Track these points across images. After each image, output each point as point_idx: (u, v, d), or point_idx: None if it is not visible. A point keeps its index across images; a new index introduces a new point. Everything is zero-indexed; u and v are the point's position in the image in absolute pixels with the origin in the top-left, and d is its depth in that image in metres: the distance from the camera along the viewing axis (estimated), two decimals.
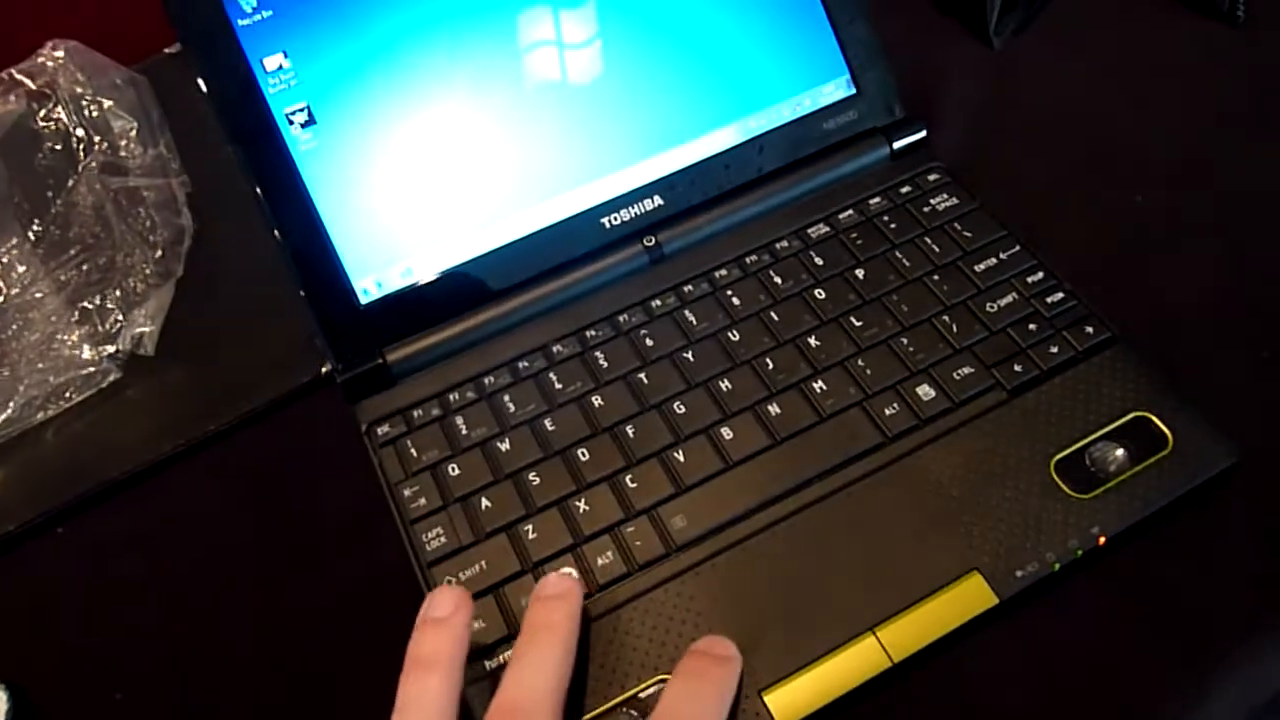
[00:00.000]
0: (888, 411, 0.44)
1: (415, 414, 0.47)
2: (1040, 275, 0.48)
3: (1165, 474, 0.41)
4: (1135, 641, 0.39)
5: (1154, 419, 0.43)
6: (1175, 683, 0.39)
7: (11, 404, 0.53)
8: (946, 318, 0.47)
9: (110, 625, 0.46)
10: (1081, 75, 0.60)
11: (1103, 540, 0.40)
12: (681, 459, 0.44)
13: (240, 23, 0.45)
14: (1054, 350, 0.45)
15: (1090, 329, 0.46)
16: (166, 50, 0.72)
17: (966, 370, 0.45)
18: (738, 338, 0.47)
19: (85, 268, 0.58)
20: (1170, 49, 0.60)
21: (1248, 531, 0.42)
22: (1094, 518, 0.41)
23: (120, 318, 0.56)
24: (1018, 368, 0.45)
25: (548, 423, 0.45)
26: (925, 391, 0.45)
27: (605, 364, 0.47)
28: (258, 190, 0.46)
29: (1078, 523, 0.41)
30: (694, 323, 0.48)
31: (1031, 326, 0.46)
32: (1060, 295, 0.47)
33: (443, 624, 0.36)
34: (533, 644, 0.36)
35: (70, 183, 0.62)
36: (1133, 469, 0.42)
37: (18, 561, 0.49)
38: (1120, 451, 0.42)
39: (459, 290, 0.49)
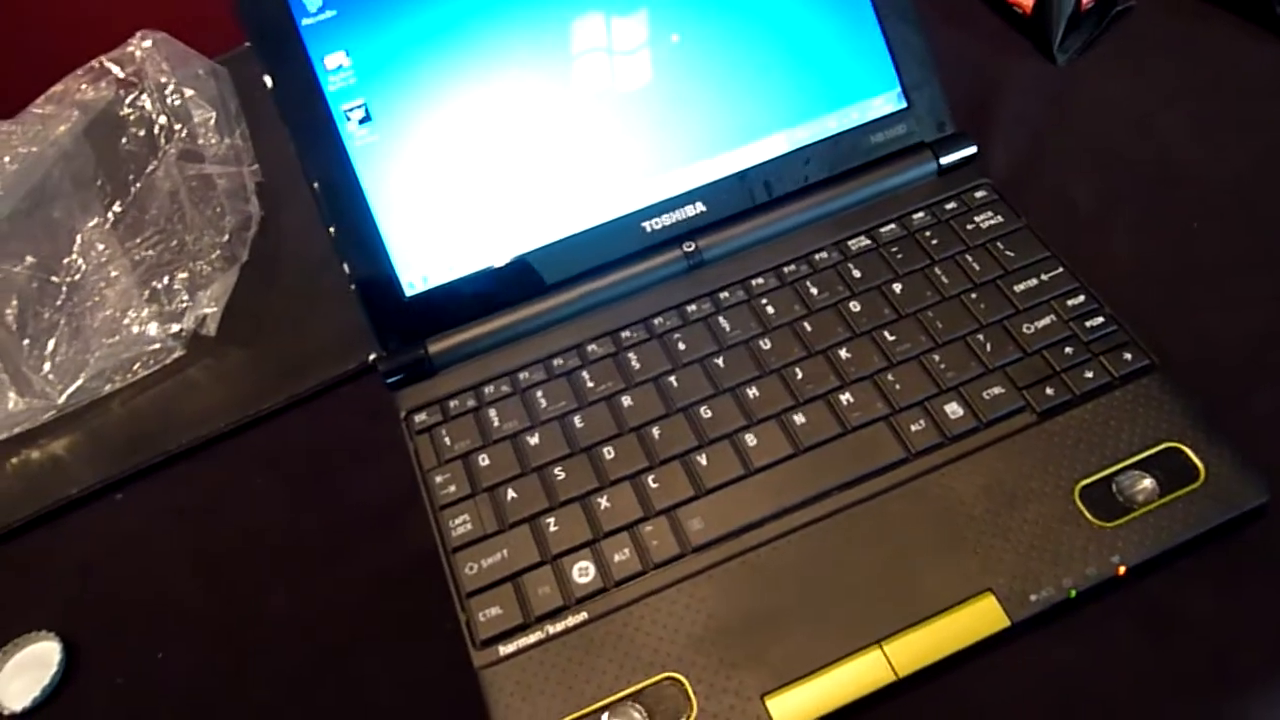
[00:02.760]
0: (913, 428, 0.44)
1: (452, 404, 0.48)
2: (1081, 299, 0.47)
3: (1193, 507, 0.41)
4: (1147, 675, 0.39)
5: (1186, 450, 0.42)
6: (1186, 718, 0.38)
7: (83, 374, 0.56)
8: (981, 336, 0.47)
9: (157, 589, 0.49)
10: (1144, 98, 0.58)
11: (1122, 570, 0.40)
12: (704, 463, 0.44)
13: (304, 22, 0.47)
14: (1089, 375, 0.45)
15: (1128, 355, 0.45)
16: (247, 44, 0.75)
17: (997, 390, 0.45)
18: (769, 346, 0.48)
19: (158, 249, 0.61)
20: (1239, 76, 0.58)
21: (1275, 573, 0.41)
22: (1115, 547, 0.40)
23: (187, 298, 0.59)
24: (1049, 390, 0.44)
25: (577, 420, 0.47)
26: (953, 410, 0.44)
27: (637, 365, 0.48)
28: (313, 182, 0.48)
29: (1098, 551, 0.40)
30: (727, 329, 0.49)
31: (1068, 350, 0.46)
32: (1100, 320, 0.46)
33: None
34: None
35: (150, 168, 0.65)
36: (1160, 500, 0.41)
37: (78, 523, 0.52)
38: (1149, 481, 0.41)
39: (501, 286, 0.50)
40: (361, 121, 0.48)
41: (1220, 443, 0.42)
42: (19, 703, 0.45)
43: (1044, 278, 0.48)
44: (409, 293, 0.49)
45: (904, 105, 0.53)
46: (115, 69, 0.69)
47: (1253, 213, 0.52)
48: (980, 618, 0.39)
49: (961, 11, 0.65)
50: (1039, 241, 0.50)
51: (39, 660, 0.46)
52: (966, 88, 0.55)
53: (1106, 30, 0.62)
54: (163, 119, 0.67)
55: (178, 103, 0.68)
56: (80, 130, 0.68)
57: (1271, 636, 0.39)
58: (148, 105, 0.68)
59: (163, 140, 0.67)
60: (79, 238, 0.62)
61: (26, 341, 0.57)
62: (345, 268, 0.49)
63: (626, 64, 0.50)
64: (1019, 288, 0.48)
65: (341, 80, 0.48)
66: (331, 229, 0.48)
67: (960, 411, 0.44)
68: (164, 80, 0.68)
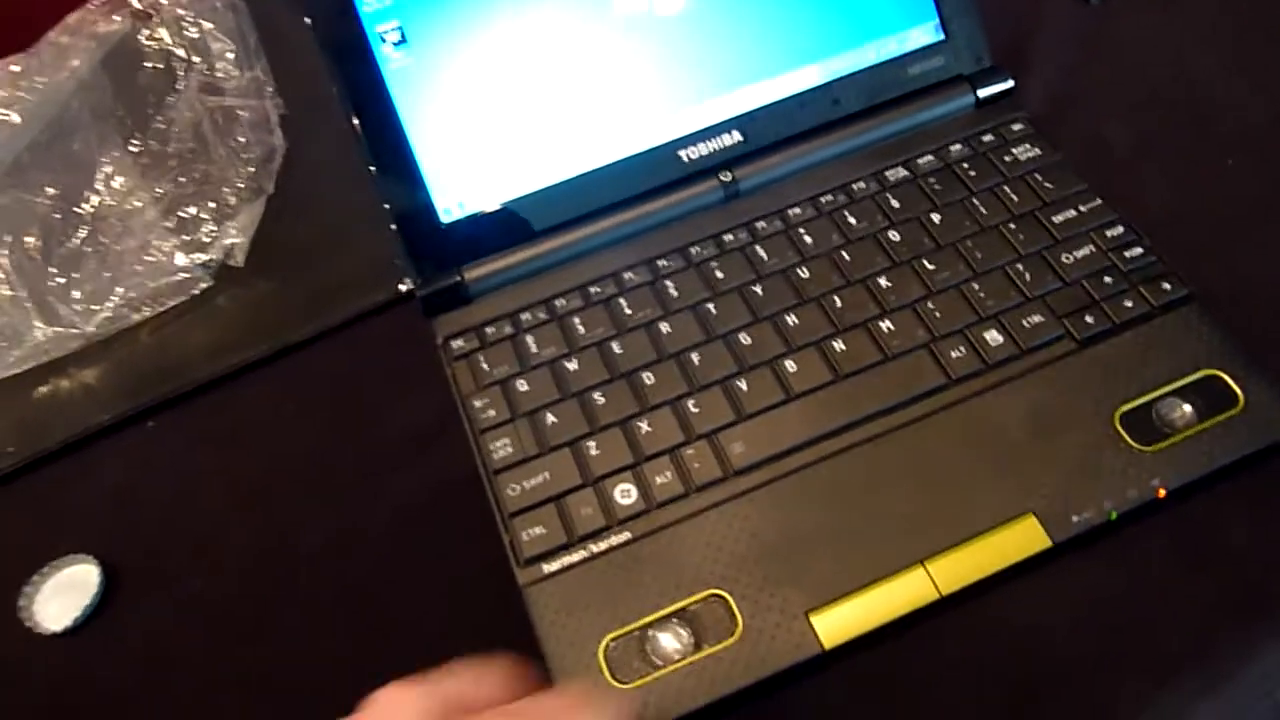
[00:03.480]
0: (954, 354, 0.44)
1: (489, 331, 0.48)
2: (1120, 230, 0.47)
3: (1232, 433, 0.41)
4: (1186, 595, 0.39)
5: (1225, 377, 0.42)
6: (1224, 639, 0.39)
7: (110, 304, 0.56)
8: (1020, 266, 0.47)
9: (192, 514, 0.49)
10: (1181, 34, 0.58)
11: (1162, 493, 0.40)
12: (744, 388, 0.44)
13: None
14: (1128, 304, 0.45)
15: (1167, 285, 0.45)
16: None
17: (1037, 319, 0.45)
18: (807, 275, 0.48)
19: (182, 180, 0.61)
20: (1276, 12, 0.58)
21: None
22: (1155, 470, 0.40)
23: (213, 228, 0.58)
24: (1089, 319, 0.45)
25: (615, 346, 0.47)
26: (993, 337, 0.45)
27: (675, 293, 0.48)
28: (347, 106, 0.47)
29: (1138, 474, 0.40)
30: (765, 259, 0.49)
31: (1107, 280, 0.46)
32: (1139, 250, 0.46)
33: None
34: None
35: (170, 100, 0.64)
36: (1199, 425, 0.41)
37: (111, 449, 0.52)
38: (1187, 407, 0.42)
39: (537, 214, 0.50)
40: (397, 44, 0.48)
41: (1258, 371, 0.42)
42: (58, 624, 0.45)
43: (1082, 209, 0.48)
44: (445, 219, 0.49)
45: (942, 37, 0.53)
46: (131, 0, 0.68)
47: None
48: (1022, 538, 0.40)
49: None
50: (1076, 174, 0.50)
51: (77, 583, 0.46)
52: (1002, 23, 0.55)
53: None
54: (180, 51, 0.67)
55: (196, 35, 0.67)
56: (97, 62, 0.67)
57: None
58: (165, 37, 0.67)
59: (181, 72, 0.66)
60: (100, 170, 0.61)
61: (53, 270, 0.57)
62: (380, 194, 0.48)
63: None
64: (1057, 219, 0.48)
65: (377, 1, 0.47)
66: (366, 155, 0.48)
67: (1000, 339, 0.45)
68: (181, 12, 0.67)
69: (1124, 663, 0.39)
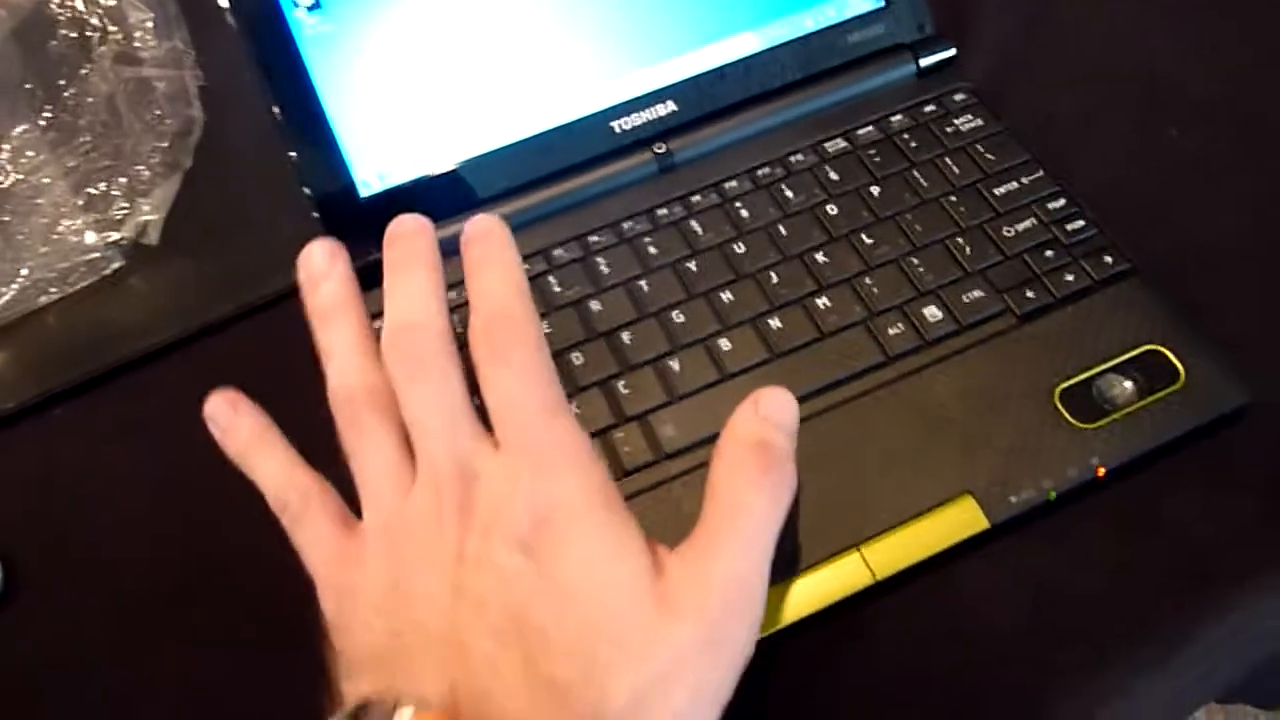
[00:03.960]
0: (891, 331, 0.43)
1: None
2: (1062, 202, 0.46)
3: (1173, 409, 0.40)
4: (1127, 575, 0.38)
5: (1167, 352, 0.41)
6: (1166, 622, 0.38)
7: (15, 285, 0.53)
8: (960, 240, 0.45)
9: (100, 508, 0.46)
10: (1129, 3, 0.57)
11: (1102, 472, 0.39)
12: (676, 368, 0.43)
13: None
14: (1069, 278, 0.44)
15: (1109, 259, 0.44)
16: None
17: (976, 293, 0.44)
18: (743, 250, 0.46)
19: (93, 155, 0.58)
20: None
21: (1255, 476, 0.40)
22: (1095, 448, 0.39)
23: (126, 205, 0.55)
24: (1029, 294, 0.43)
25: (544, 326, 0.45)
26: (931, 313, 0.43)
27: (606, 270, 0.46)
28: (260, 75, 0.45)
29: (1078, 453, 0.39)
30: (700, 233, 0.47)
31: (1048, 253, 0.45)
32: (1081, 224, 0.45)
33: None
34: (399, 273, 0.37)
35: (83, 71, 0.61)
36: (1140, 402, 0.40)
37: (15, 439, 0.49)
38: (1129, 384, 0.41)
39: (462, 188, 0.48)
40: (311, 9, 0.45)
41: (1200, 345, 0.42)
42: None
43: (1024, 181, 0.47)
44: (364, 193, 0.47)
45: (882, 4, 0.51)
46: None
47: (1234, 121, 0.51)
48: (959, 519, 0.39)
49: None
50: (1019, 145, 0.48)
51: None
52: None
53: None
54: (95, 20, 0.63)
55: (113, 3, 0.64)
56: (8, 32, 0.63)
57: (1249, 538, 0.39)
58: (80, 5, 0.64)
59: (97, 43, 0.63)
60: (7, 145, 0.58)
61: None
62: (295, 167, 0.46)
63: None
64: (999, 191, 0.47)
65: None
66: (280, 126, 0.45)
67: (939, 315, 0.43)
68: None
69: (1065, 641, 0.38)
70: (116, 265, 0.54)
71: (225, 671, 0.41)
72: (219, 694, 0.41)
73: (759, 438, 0.33)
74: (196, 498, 0.46)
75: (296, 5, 0.45)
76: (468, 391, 0.34)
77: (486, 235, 0.37)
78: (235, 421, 0.37)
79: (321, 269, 0.37)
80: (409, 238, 0.37)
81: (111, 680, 0.42)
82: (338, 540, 0.34)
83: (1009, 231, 0.45)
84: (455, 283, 0.38)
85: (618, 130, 0.49)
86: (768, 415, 0.33)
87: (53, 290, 0.53)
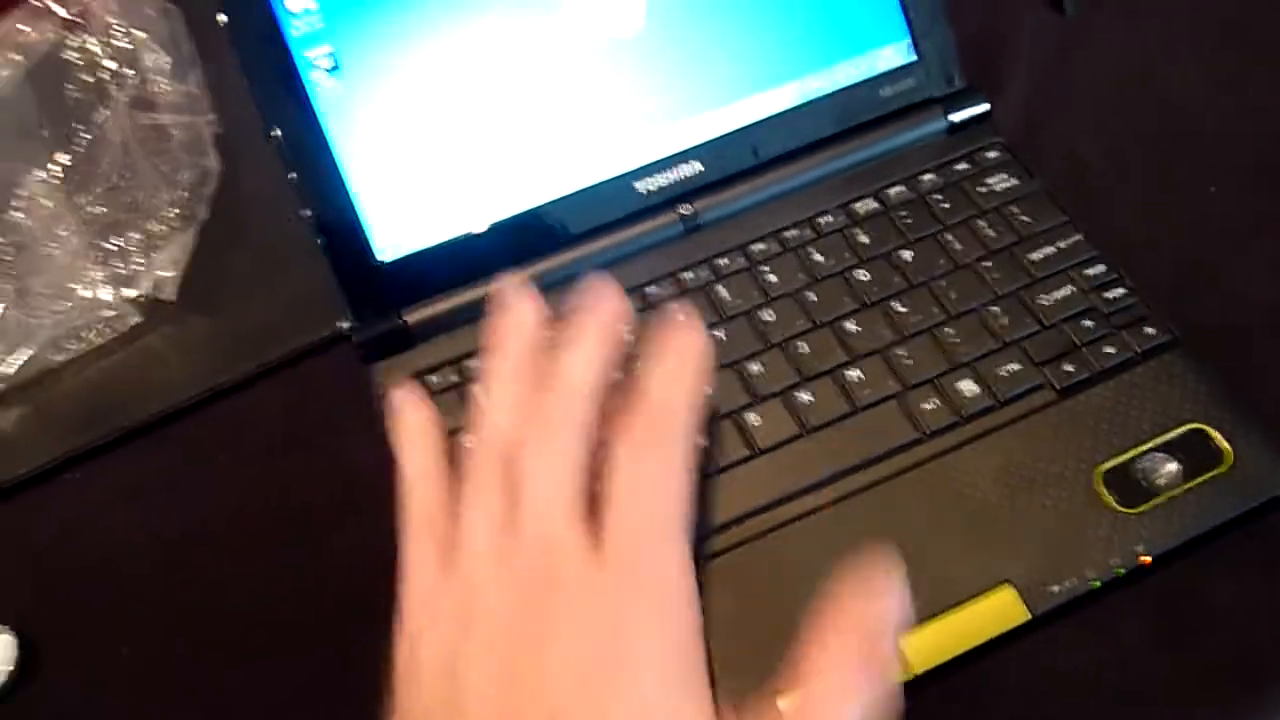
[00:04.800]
0: (926, 406, 0.42)
1: (432, 380, 0.45)
2: (1101, 268, 0.45)
3: (1220, 493, 0.39)
4: (1174, 670, 0.37)
5: (1212, 432, 0.40)
6: (1210, 715, 0.37)
7: (32, 343, 0.52)
8: (996, 308, 0.44)
9: (119, 576, 0.46)
10: (1162, 51, 0.56)
11: (1147, 560, 0.38)
12: (704, 443, 0.42)
13: None
14: (1109, 350, 0.42)
15: (1151, 329, 0.43)
16: None
17: (1014, 366, 0.42)
18: (771, 318, 0.45)
19: (110, 206, 0.57)
20: (1257, 27, 0.56)
21: None
22: (1139, 535, 0.38)
23: (142, 261, 0.55)
24: (1068, 367, 0.42)
25: None
26: (968, 387, 0.42)
27: (629, 338, 0.45)
28: (275, 138, 0.44)
29: (1121, 539, 0.38)
30: (726, 299, 0.46)
31: (1087, 323, 0.43)
32: (1121, 291, 0.44)
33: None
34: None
35: (99, 118, 0.61)
36: (1185, 485, 0.39)
37: (29, 505, 0.48)
38: (1173, 465, 0.39)
39: (484, 251, 0.47)
40: (329, 71, 0.44)
41: (1246, 424, 0.40)
42: None
43: (1061, 245, 0.46)
44: (382, 258, 0.46)
45: (914, 58, 0.50)
46: (58, 9, 0.64)
47: (1274, 172, 0.50)
48: (999, 610, 0.37)
49: None
50: (1055, 205, 0.47)
51: None
52: (974, 41, 0.52)
53: None
54: (111, 63, 0.62)
55: (128, 45, 0.63)
56: (22, 76, 0.63)
57: None
58: (95, 48, 0.63)
59: (113, 87, 0.62)
60: (23, 192, 0.58)
61: None
62: (313, 232, 0.45)
63: (617, 11, 0.46)
64: (1035, 256, 0.45)
65: (306, 24, 0.44)
66: (298, 190, 0.45)
67: (975, 389, 0.42)
68: (111, 20, 0.63)
69: None
70: (134, 322, 0.53)
71: None
72: None
73: (873, 638, 0.30)
74: (210, 562, 0.45)
75: (314, 67, 0.44)
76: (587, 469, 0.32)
77: (688, 329, 0.35)
78: (411, 411, 0.36)
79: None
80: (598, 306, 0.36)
81: None
82: (433, 578, 0.33)
83: (1046, 299, 0.44)
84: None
85: (642, 191, 0.48)
86: (885, 612, 0.30)
87: (69, 347, 0.53)
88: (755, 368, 0.43)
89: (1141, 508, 0.39)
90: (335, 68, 0.44)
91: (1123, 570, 0.38)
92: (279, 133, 0.44)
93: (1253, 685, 0.37)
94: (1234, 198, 0.50)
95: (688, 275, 0.47)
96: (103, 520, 0.48)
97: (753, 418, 0.42)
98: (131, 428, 0.49)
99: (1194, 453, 0.40)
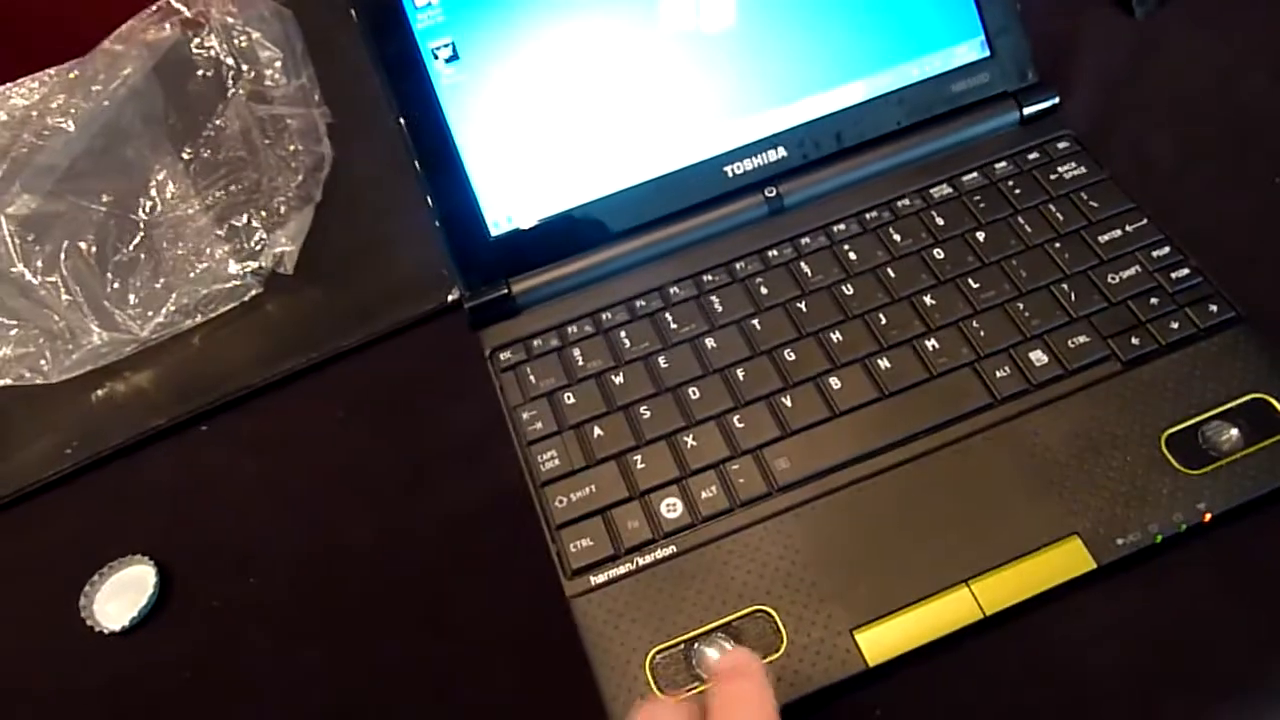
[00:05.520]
0: (999, 374, 0.45)
1: (536, 343, 0.49)
2: (1166, 250, 0.47)
3: (1279, 458, 0.41)
4: (1231, 620, 0.39)
5: (1272, 401, 0.42)
6: (1271, 666, 0.39)
7: (164, 310, 0.57)
8: (1065, 286, 0.47)
9: (245, 517, 0.50)
10: (1226, 50, 0.58)
11: (1208, 517, 0.40)
12: (789, 404, 0.45)
13: None
14: (1174, 325, 0.45)
15: (1214, 307, 0.45)
16: None
17: (1082, 339, 0.45)
18: (852, 292, 0.48)
19: (232, 189, 0.62)
20: None
21: None
22: (1201, 494, 0.41)
23: (263, 236, 0.59)
24: (1134, 340, 0.45)
25: (661, 360, 0.47)
26: (1038, 357, 0.45)
27: (720, 308, 0.49)
28: (400, 121, 0.48)
29: (1184, 498, 0.41)
30: (809, 274, 0.49)
31: (1153, 301, 0.46)
32: (1185, 271, 0.46)
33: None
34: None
35: (220, 108, 0.66)
36: (1246, 450, 0.41)
37: (166, 452, 0.53)
38: (1234, 431, 0.42)
39: (584, 228, 0.50)
40: (449, 60, 0.48)
41: None
42: (117, 623, 0.46)
43: (1128, 229, 0.48)
44: (494, 232, 0.50)
45: (987, 54, 0.53)
46: (182, 8, 0.69)
47: None
48: (1066, 560, 0.40)
49: None
50: (1122, 192, 0.50)
51: (135, 583, 0.48)
52: (1046, 38, 0.55)
53: None
54: (230, 59, 0.67)
55: (244, 43, 0.68)
56: (149, 69, 0.68)
57: None
58: (214, 45, 0.68)
59: (230, 81, 0.67)
60: (153, 177, 0.63)
61: (109, 275, 0.58)
62: (432, 208, 0.49)
63: (710, 5, 0.50)
64: (1103, 238, 0.48)
65: (429, 18, 0.48)
66: (418, 169, 0.49)
67: (1045, 359, 0.45)
68: (230, 21, 0.68)
69: (1168, 683, 0.39)
70: (255, 292, 0.58)
71: (358, 677, 0.44)
72: (352, 696, 0.44)
73: None
74: (327, 511, 0.50)
75: (436, 57, 0.48)
76: None
77: (745, 673, 0.35)
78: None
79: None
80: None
81: (251, 680, 0.45)
82: None
83: (1113, 278, 0.47)
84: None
85: (730, 174, 0.51)
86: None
87: (197, 314, 0.57)
88: (836, 336, 0.47)
89: (1204, 469, 0.41)
90: (454, 57, 0.48)
91: (1185, 526, 0.40)
92: (402, 117, 0.48)
93: None
94: None
95: (773, 253, 0.50)
96: (230, 468, 0.52)
97: (834, 382, 0.45)
98: (256, 386, 0.54)
99: (1255, 420, 0.42)
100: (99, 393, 0.55)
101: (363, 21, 0.48)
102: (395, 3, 0.48)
